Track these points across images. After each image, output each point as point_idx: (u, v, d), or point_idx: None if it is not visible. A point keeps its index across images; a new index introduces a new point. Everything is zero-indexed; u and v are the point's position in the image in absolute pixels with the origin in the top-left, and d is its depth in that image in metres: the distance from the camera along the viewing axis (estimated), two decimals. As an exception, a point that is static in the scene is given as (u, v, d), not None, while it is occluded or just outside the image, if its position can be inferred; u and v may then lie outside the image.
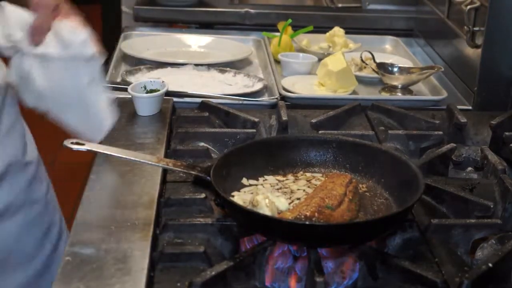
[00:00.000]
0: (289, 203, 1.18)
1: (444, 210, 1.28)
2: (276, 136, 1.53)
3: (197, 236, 1.15)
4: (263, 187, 1.25)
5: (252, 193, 1.20)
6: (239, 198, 1.19)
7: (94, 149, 1.23)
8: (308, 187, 1.25)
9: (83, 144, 1.21)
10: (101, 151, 1.24)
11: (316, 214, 1.10)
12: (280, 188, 1.25)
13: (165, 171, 1.36)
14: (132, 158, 1.24)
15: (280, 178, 1.28)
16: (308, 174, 1.30)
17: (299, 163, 1.33)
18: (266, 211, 1.12)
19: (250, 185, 1.25)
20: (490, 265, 1.06)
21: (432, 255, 1.13)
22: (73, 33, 1.22)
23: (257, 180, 1.27)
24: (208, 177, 1.20)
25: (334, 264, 1.10)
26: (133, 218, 1.18)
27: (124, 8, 3.46)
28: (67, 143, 1.21)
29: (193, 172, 1.25)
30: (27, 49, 1.20)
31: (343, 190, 1.18)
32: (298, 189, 1.24)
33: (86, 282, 1.02)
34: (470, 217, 1.24)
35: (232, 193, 1.22)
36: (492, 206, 1.26)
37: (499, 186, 1.33)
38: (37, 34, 1.20)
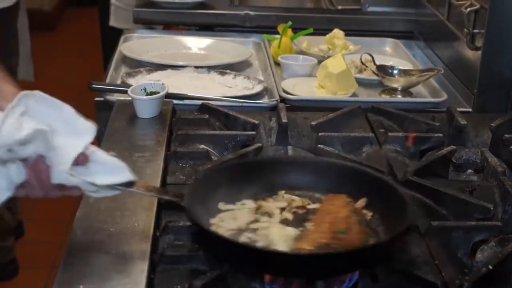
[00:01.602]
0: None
1: (444, 212, 1.28)
2: (250, 160, 1.42)
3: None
4: (240, 211, 1.17)
5: (232, 218, 1.15)
6: (220, 227, 1.12)
7: None
8: (290, 210, 1.18)
9: None
10: None
11: (332, 241, 1.07)
12: (259, 211, 1.17)
13: (165, 173, 1.37)
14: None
15: (260, 202, 1.20)
16: (286, 196, 1.22)
17: (275, 185, 1.23)
18: (283, 246, 1.07)
19: (227, 210, 1.17)
20: (490, 267, 1.06)
21: (432, 257, 1.13)
22: None
23: (234, 204, 1.18)
24: (182, 204, 1.11)
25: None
26: (133, 220, 1.17)
27: (113, 1, 3.47)
28: None
29: (166, 197, 1.16)
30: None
31: (347, 212, 1.14)
32: (280, 212, 1.17)
33: (86, 284, 1.01)
34: (470, 219, 1.24)
35: (210, 220, 1.14)
36: (492, 208, 1.26)
37: (499, 188, 1.33)
38: None
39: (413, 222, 1.11)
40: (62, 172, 1.05)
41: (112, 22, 3.52)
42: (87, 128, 1.09)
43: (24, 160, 1.05)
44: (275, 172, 1.24)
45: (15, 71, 2.89)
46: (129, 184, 1.11)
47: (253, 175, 1.23)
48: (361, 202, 1.19)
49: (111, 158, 1.10)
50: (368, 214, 1.17)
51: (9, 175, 1.05)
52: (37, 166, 1.06)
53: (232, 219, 1.15)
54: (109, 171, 1.09)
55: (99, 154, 1.09)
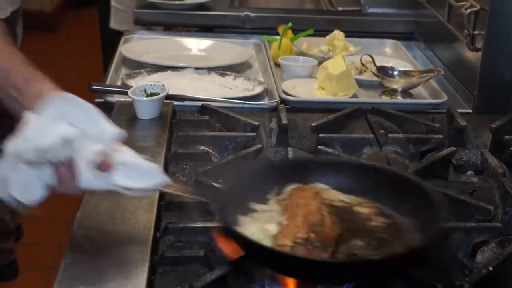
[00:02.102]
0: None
1: (444, 213, 1.28)
2: (283, 159, 1.45)
3: (198, 239, 1.15)
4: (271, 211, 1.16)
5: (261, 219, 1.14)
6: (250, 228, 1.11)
7: None
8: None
9: None
10: None
11: (311, 235, 1.06)
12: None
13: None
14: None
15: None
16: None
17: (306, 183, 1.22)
18: (266, 242, 1.07)
19: (257, 210, 1.16)
20: (491, 268, 1.06)
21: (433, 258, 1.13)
22: None
23: (265, 204, 1.17)
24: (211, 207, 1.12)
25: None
26: (133, 221, 1.17)
27: (113, 3, 3.47)
28: None
29: (198, 198, 1.17)
30: None
31: (317, 204, 1.13)
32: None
33: (86, 285, 1.01)
34: (470, 221, 1.24)
35: (240, 221, 1.12)
36: (492, 210, 1.26)
37: (499, 189, 1.33)
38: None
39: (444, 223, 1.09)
40: (88, 178, 1.06)
41: (112, 24, 3.53)
42: (110, 131, 1.10)
43: (52, 163, 1.06)
44: (304, 171, 1.23)
45: None
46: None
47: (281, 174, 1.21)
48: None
49: (143, 161, 1.11)
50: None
51: (42, 177, 1.07)
52: (63, 170, 1.07)
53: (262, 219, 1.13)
54: (141, 174, 1.10)
55: (130, 157, 1.10)
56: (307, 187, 1.19)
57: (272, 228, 1.10)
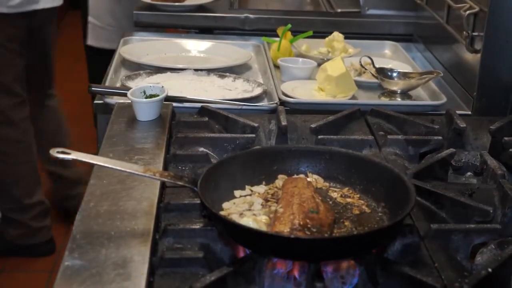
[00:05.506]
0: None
1: (443, 215, 1.28)
2: (267, 147, 1.54)
3: (197, 241, 1.15)
4: (254, 197, 1.24)
5: (244, 203, 1.21)
6: (231, 210, 1.19)
7: (80, 159, 1.18)
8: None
9: (69, 154, 1.17)
10: (87, 161, 1.19)
11: (307, 221, 1.10)
12: (273, 196, 1.24)
13: (164, 176, 1.37)
14: (118, 168, 1.20)
15: (271, 187, 1.28)
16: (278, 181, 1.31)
17: (290, 173, 1.31)
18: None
19: (241, 196, 1.25)
20: (490, 270, 1.06)
21: (432, 260, 1.13)
22: None
23: (248, 190, 1.27)
24: (195, 188, 1.19)
25: (333, 269, 1.10)
26: (132, 223, 1.17)
27: (90, 19, 3.39)
28: (53, 152, 1.17)
29: (179, 183, 1.22)
30: None
31: (310, 192, 1.19)
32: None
33: (86, 287, 1.02)
34: (469, 222, 1.24)
35: (222, 204, 1.22)
36: (491, 211, 1.26)
37: (498, 191, 1.33)
38: None
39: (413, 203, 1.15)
40: None
41: (90, 41, 3.41)
42: None
43: None
44: (289, 160, 1.33)
45: None
46: None
47: (267, 162, 1.31)
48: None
49: None
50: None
51: None
52: None
53: (243, 203, 1.21)
54: None
55: None
56: (299, 178, 1.25)
57: (264, 218, 1.16)
